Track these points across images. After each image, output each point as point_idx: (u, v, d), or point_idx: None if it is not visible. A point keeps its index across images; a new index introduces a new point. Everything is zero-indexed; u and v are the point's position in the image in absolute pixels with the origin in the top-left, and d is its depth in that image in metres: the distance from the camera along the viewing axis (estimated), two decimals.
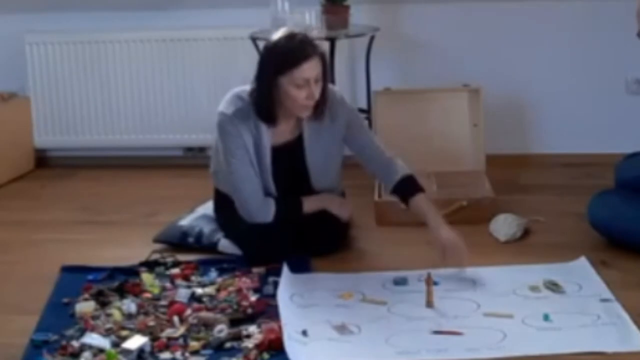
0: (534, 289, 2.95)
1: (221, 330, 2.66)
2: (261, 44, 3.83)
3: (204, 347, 2.60)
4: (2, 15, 4.75)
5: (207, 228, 3.44)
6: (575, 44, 4.44)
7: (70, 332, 2.71)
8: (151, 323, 2.72)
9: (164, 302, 2.89)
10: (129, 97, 4.70)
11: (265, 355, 2.54)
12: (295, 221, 3.25)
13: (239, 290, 2.93)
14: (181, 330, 2.69)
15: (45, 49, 4.70)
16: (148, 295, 2.96)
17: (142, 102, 4.69)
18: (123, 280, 3.06)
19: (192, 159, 4.73)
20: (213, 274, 3.14)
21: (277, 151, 3.27)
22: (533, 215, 3.61)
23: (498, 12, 4.44)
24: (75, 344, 2.62)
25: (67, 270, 3.22)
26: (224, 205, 3.37)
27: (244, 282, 3.01)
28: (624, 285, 2.94)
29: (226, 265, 3.20)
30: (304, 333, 2.64)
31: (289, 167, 3.29)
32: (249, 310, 2.79)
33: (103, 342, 2.60)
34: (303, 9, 4.11)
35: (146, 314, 2.82)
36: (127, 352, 2.55)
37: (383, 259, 3.30)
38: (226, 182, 3.31)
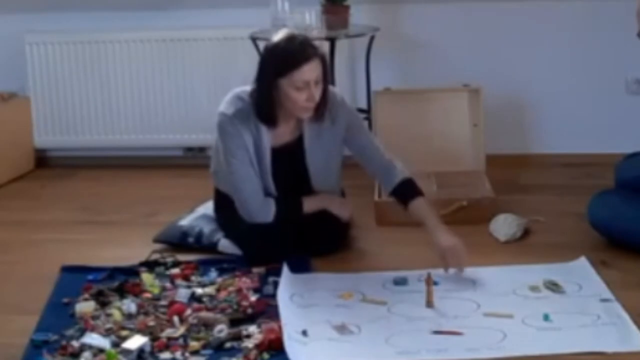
0: (534, 289, 2.95)
1: (221, 330, 2.66)
2: (261, 44, 3.84)
3: (204, 347, 2.60)
4: (2, 15, 4.75)
5: (207, 228, 3.44)
6: (575, 44, 4.44)
7: (70, 332, 2.71)
8: (151, 323, 2.72)
9: (164, 302, 2.89)
10: (129, 97, 4.70)
11: (265, 355, 2.54)
12: (295, 221, 3.25)
13: (239, 290, 2.93)
14: (181, 330, 2.69)
15: (45, 49, 4.70)
16: (148, 295, 2.96)
17: (142, 102, 4.69)
18: (123, 280, 3.06)
19: (192, 159, 4.73)
20: (213, 274, 3.14)
21: (277, 152, 3.27)
22: (533, 215, 3.62)
23: (498, 12, 4.44)
24: (75, 344, 2.61)
25: (67, 270, 3.22)
26: (224, 205, 3.37)
27: (244, 282, 3.01)
28: (624, 285, 2.94)
29: (226, 265, 3.20)
30: (304, 333, 2.64)
31: (289, 168, 3.29)
32: (249, 310, 2.79)
33: (103, 342, 2.60)
34: (303, 9, 4.11)
35: (146, 314, 2.82)
36: (127, 352, 2.55)
37: (383, 259, 3.30)
38: (226, 182, 3.31)
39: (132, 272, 3.16)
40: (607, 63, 4.41)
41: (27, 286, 3.16)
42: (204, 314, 2.76)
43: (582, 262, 3.13)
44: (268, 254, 3.19)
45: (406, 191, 3.25)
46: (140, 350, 2.56)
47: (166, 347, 2.60)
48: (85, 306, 2.87)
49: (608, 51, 4.38)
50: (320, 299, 2.92)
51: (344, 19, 4.17)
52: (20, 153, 4.73)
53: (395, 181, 3.27)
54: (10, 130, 4.63)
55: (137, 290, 2.99)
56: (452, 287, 2.98)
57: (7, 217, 3.98)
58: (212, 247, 3.37)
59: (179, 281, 3.09)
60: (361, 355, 2.55)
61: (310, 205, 3.30)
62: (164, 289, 3.02)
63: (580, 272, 3.07)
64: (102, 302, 2.91)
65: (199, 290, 2.98)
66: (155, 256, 3.29)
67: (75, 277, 3.14)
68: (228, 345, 2.61)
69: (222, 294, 2.93)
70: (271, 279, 3.05)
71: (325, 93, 3.20)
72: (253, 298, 2.86)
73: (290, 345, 2.53)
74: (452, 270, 3.04)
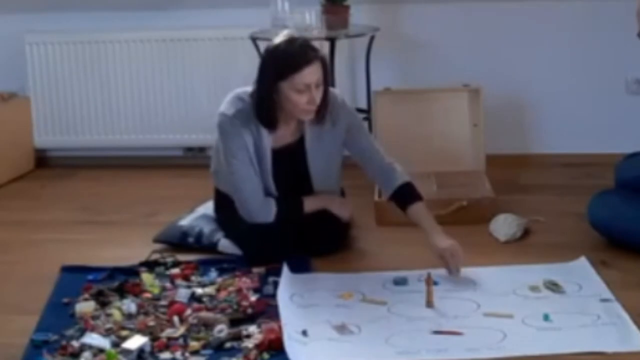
0: (534, 289, 2.95)
1: (221, 330, 2.66)
2: (261, 44, 3.84)
3: (204, 347, 2.60)
4: (2, 15, 4.75)
5: (207, 228, 3.44)
6: (575, 44, 4.44)
7: (70, 332, 2.71)
8: (151, 323, 2.72)
9: (164, 302, 2.89)
10: (129, 97, 4.70)
11: (265, 355, 2.54)
12: (296, 221, 3.25)
13: (239, 290, 2.93)
14: (181, 330, 2.69)
15: (45, 49, 4.70)
16: (148, 295, 2.96)
17: (142, 102, 4.69)
18: (123, 280, 3.06)
19: (192, 159, 4.73)
20: (213, 274, 3.14)
21: (278, 153, 3.27)
22: (533, 215, 3.61)
23: (498, 12, 4.44)
24: (75, 344, 2.61)
25: (67, 270, 3.22)
26: (224, 205, 3.37)
27: (244, 282, 3.01)
28: (624, 285, 2.94)
29: (226, 265, 3.20)
30: (304, 333, 2.64)
31: (289, 169, 3.29)
32: (249, 310, 2.79)
33: (103, 342, 2.60)
34: (303, 9, 4.11)
35: (146, 314, 2.82)
36: (127, 352, 2.55)
37: (383, 259, 3.30)
38: (227, 182, 3.31)
39: (132, 272, 3.16)
40: (607, 63, 4.41)
41: (27, 286, 3.16)
42: (204, 314, 2.76)
43: (582, 262, 3.13)
44: (268, 254, 3.19)
45: (405, 195, 3.25)
46: (140, 350, 2.56)
47: (166, 347, 2.60)
48: (85, 306, 2.87)
49: (608, 51, 4.38)
50: (320, 299, 2.92)
51: (344, 19, 4.17)
52: (20, 153, 4.73)
53: (395, 185, 3.27)
54: (10, 130, 4.63)
55: (137, 290, 2.99)
56: (452, 287, 2.98)
57: (7, 217, 3.98)
58: (212, 247, 3.37)
59: (179, 281, 3.09)
60: (361, 355, 2.55)
61: (310, 205, 3.30)
62: (164, 289, 3.02)
63: (580, 272, 3.06)
64: (102, 302, 2.91)
65: (199, 290, 2.98)
66: (155, 256, 3.29)
67: (75, 277, 3.14)
68: (228, 345, 2.61)
69: (222, 294, 2.93)
70: (271, 279, 3.05)
71: (326, 95, 3.20)
72: (253, 298, 2.86)
73: (290, 345, 2.53)
74: (452, 273, 3.04)
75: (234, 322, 2.72)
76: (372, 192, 3.74)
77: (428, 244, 3.11)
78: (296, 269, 3.11)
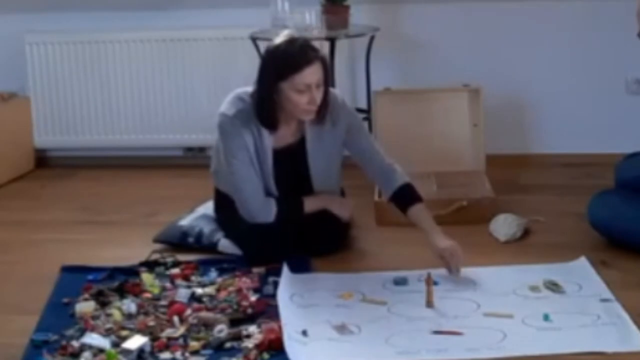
0: (534, 289, 2.95)
1: (221, 330, 2.66)
2: (261, 44, 3.84)
3: (204, 347, 2.60)
4: (2, 15, 4.75)
5: (207, 228, 3.44)
6: (575, 44, 4.44)
7: (70, 332, 2.71)
8: (151, 323, 2.72)
9: (164, 302, 2.89)
10: (129, 97, 4.70)
11: (265, 355, 2.54)
12: (296, 221, 3.25)
13: (239, 290, 2.93)
14: (181, 330, 2.69)
15: (45, 49, 4.70)
16: (148, 295, 2.96)
17: (142, 102, 4.69)
18: (123, 280, 3.06)
19: (192, 159, 4.73)
20: (213, 274, 3.14)
21: (278, 153, 3.27)
22: (533, 215, 3.61)
23: (498, 12, 4.44)
24: (75, 344, 2.61)
25: (67, 270, 3.22)
26: (224, 205, 3.37)
27: (244, 282, 3.01)
28: (624, 285, 2.94)
29: (226, 265, 3.20)
30: (304, 333, 2.64)
31: (290, 169, 3.29)
32: (249, 310, 2.79)
33: (103, 342, 2.60)
34: (303, 9, 4.11)
35: (146, 314, 2.82)
36: (127, 352, 2.55)
37: (383, 259, 3.30)
38: (227, 182, 3.31)
39: (132, 272, 3.16)
40: (607, 63, 4.41)
41: (27, 286, 3.16)
42: (204, 314, 2.76)
43: (582, 262, 3.13)
44: (268, 254, 3.19)
45: (405, 197, 3.25)
46: (140, 350, 2.56)
47: (166, 347, 2.60)
48: (85, 306, 2.87)
49: (608, 51, 4.38)
50: (320, 299, 2.92)
51: (344, 19, 4.18)
52: (20, 153, 4.73)
53: (395, 186, 3.27)
54: (10, 130, 4.63)
55: (137, 290, 2.99)
56: (452, 287, 2.98)
57: (7, 217, 3.98)
58: (212, 247, 3.37)
59: (179, 281, 3.09)
60: (361, 355, 2.55)
61: (310, 205, 3.30)
62: (164, 289, 3.02)
63: (580, 272, 3.06)
64: (102, 302, 2.91)
65: (199, 290, 2.98)
66: (155, 256, 3.29)
67: (75, 277, 3.14)
68: (228, 345, 2.61)
69: (222, 294, 2.93)
70: (271, 279, 3.05)
71: (326, 95, 3.20)
72: (253, 298, 2.86)
73: (290, 345, 2.53)
74: (452, 273, 3.04)
75: (234, 322, 2.72)
76: (372, 192, 3.74)
77: (428, 244, 3.11)
78: (296, 269, 3.11)
